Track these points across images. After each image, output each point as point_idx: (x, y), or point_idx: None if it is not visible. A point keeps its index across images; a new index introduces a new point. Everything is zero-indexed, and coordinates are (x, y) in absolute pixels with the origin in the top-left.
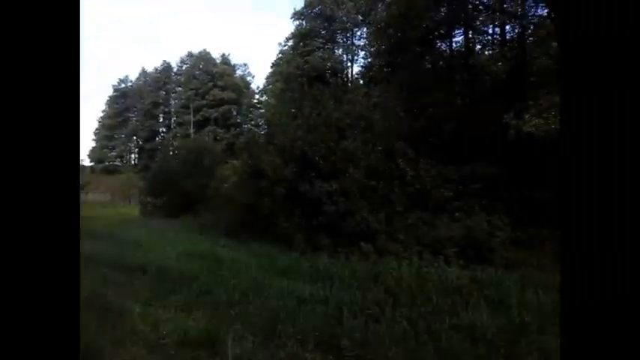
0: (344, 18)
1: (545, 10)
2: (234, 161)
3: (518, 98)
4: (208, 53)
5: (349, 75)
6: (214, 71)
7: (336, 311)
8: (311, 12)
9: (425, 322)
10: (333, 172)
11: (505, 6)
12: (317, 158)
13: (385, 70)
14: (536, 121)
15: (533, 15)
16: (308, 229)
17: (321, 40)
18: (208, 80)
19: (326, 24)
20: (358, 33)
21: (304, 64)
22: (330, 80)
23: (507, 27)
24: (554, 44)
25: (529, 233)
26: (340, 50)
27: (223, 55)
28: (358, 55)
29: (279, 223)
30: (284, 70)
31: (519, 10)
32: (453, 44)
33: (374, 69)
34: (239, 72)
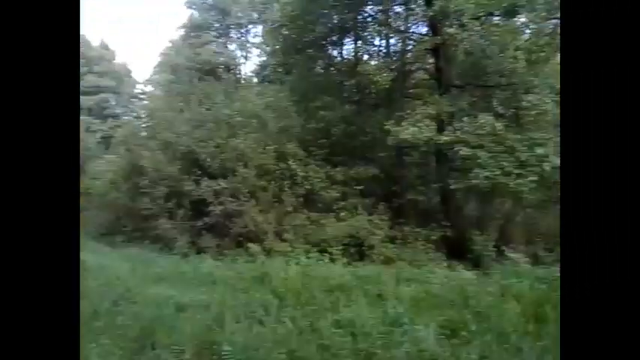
0: (239, 13)
1: (425, 29)
2: (110, 156)
3: (398, 107)
4: (83, 35)
5: (242, 72)
6: (90, 55)
7: (218, 316)
8: (204, 2)
9: (308, 321)
10: (221, 171)
11: (390, 21)
12: (204, 156)
13: (279, 70)
14: (412, 129)
15: (414, 32)
16: (192, 231)
17: (214, 33)
18: (83, 64)
19: (220, 17)
20: (254, 30)
21: (195, 56)
22: (223, 76)
23: (392, 40)
24: (430, 60)
25: (404, 231)
26: (234, 46)
27: (102, 39)
28: (252, 53)
29: (160, 224)
30: (172, 60)
31: (402, 26)
32: (344, 51)
33: (268, 68)
34: (120, 59)
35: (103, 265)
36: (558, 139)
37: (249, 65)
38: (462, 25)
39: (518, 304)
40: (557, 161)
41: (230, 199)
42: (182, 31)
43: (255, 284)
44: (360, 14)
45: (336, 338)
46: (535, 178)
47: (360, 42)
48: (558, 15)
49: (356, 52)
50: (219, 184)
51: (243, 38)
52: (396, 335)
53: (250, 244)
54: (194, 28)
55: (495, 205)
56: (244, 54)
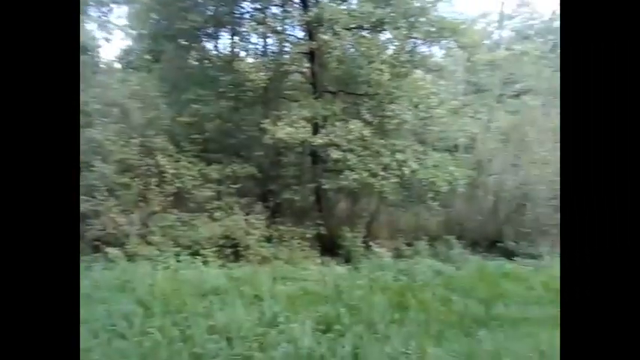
0: None
1: (302, 33)
2: None
3: (275, 107)
4: None
5: (103, 56)
6: None
7: None
8: None
9: (179, 329)
10: None
11: (267, 20)
12: None
13: (146, 57)
14: (289, 129)
15: (290, 34)
16: None
17: None
18: None
19: None
20: (118, 11)
21: None
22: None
23: (270, 40)
24: (306, 64)
25: (280, 230)
26: (93, 25)
27: None
28: (115, 36)
29: None
30: None
31: (279, 27)
32: (219, 45)
33: (133, 53)
34: None
35: None
36: (416, 146)
37: (111, 48)
38: (335, 34)
39: (384, 295)
40: (415, 166)
41: (84, 197)
42: None
43: (116, 293)
44: (236, 9)
45: (210, 345)
46: (397, 180)
47: (236, 38)
48: (416, 35)
49: (232, 48)
50: None
51: (104, 18)
52: (272, 335)
53: (109, 249)
54: None
55: (363, 204)
56: (105, 36)
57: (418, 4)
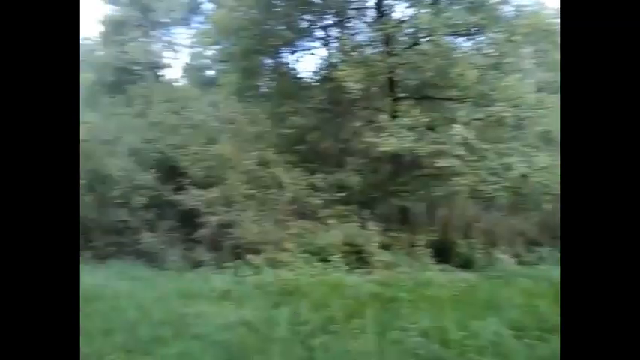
0: (159, 12)
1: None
2: None
3: (369, 117)
4: None
5: (172, 73)
6: None
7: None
8: None
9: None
10: (208, 180)
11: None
12: (185, 163)
13: (230, 74)
14: (392, 140)
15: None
16: (183, 244)
17: (138, 31)
18: None
19: (141, 15)
20: (177, 31)
21: (122, 54)
22: (159, 76)
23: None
24: (399, 72)
25: (394, 237)
26: (159, 46)
27: None
28: (179, 53)
29: (142, 237)
30: (92, 58)
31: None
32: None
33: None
34: None
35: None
36: (523, 148)
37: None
38: (434, 43)
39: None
40: (524, 169)
41: (224, 208)
42: (102, 27)
43: (287, 296)
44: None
45: None
46: (507, 185)
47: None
48: (514, 38)
49: (328, 58)
50: (210, 193)
51: (165, 38)
52: None
53: (251, 255)
54: (116, 25)
55: (473, 210)
56: (174, 55)
57: (511, 9)
